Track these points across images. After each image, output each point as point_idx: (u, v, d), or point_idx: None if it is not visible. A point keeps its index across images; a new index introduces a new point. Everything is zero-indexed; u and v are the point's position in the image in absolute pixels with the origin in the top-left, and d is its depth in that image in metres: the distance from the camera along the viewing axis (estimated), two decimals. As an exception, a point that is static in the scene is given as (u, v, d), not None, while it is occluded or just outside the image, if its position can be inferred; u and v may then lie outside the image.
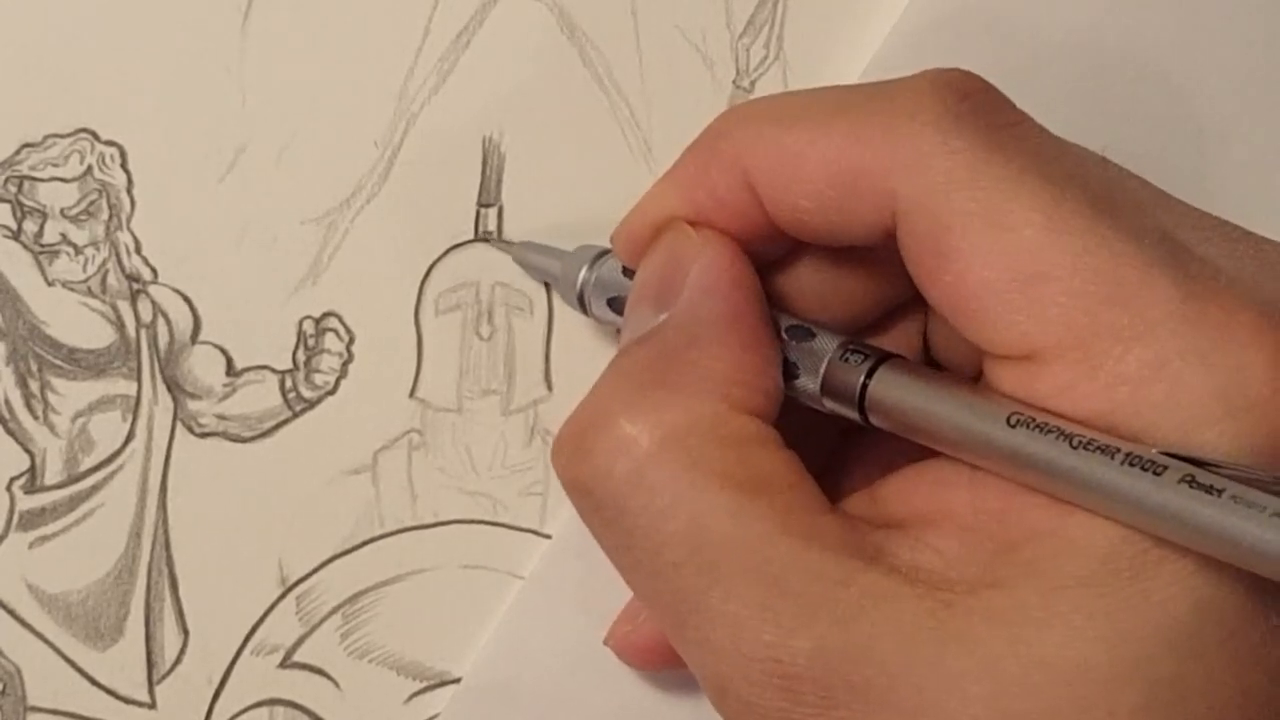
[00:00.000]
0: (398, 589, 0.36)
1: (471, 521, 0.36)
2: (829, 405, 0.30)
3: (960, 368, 0.31)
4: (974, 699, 0.25)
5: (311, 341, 0.36)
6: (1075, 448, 0.25)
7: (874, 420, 0.29)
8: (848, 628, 0.26)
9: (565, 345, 0.36)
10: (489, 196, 0.36)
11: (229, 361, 0.36)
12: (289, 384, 0.36)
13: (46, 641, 0.35)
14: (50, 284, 0.36)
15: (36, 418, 0.36)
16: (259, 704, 0.36)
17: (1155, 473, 0.25)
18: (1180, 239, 0.27)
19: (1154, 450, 0.25)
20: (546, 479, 0.36)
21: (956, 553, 0.27)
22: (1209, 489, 0.24)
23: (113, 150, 0.35)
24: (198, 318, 0.36)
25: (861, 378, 0.29)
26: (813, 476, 0.28)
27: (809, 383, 0.30)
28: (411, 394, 0.36)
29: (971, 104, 0.27)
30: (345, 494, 0.36)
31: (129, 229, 0.36)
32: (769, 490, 0.27)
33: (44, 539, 0.35)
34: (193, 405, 0.36)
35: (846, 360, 0.29)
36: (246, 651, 0.36)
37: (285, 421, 0.36)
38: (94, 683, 0.35)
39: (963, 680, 0.25)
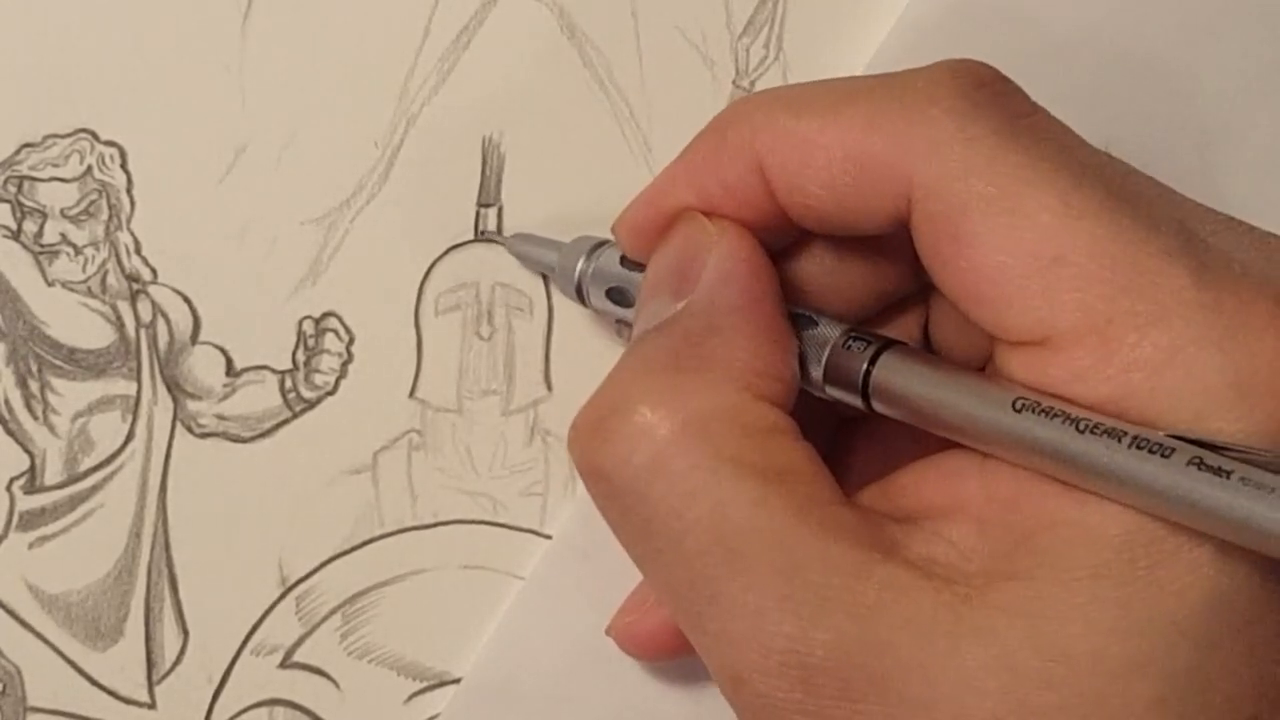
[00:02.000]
0: (398, 589, 0.36)
1: (471, 522, 0.36)
2: (831, 393, 0.30)
3: (963, 361, 0.31)
4: (991, 693, 0.25)
5: (311, 342, 0.36)
6: (1082, 431, 0.25)
7: (877, 406, 0.29)
8: (866, 621, 0.26)
9: (565, 345, 0.36)
10: (489, 196, 0.36)
11: (229, 362, 0.36)
12: (289, 384, 0.36)
13: (46, 642, 0.35)
14: (50, 284, 0.36)
15: (36, 418, 0.35)
16: (259, 704, 0.36)
17: (1163, 455, 0.25)
18: (1194, 228, 0.27)
19: (1161, 434, 0.25)
20: (546, 479, 0.36)
21: (971, 544, 0.27)
22: (1217, 470, 0.24)
23: (112, 150, 0.35)
24: (197, 318, 0.36)
25: (865, 364, 0.29)
26: None
27: (813, 370, 0.29)
28: (411, 394, 0.36)
29: (989, 92, 0.27)
30: (345, 494, 0.36)
31: (129, 229, 0.36)
32: (789, 480, 0.27)
33: (44, 539, 0.35)
34: (192, 405, 0.36)
35: (849, 347, 0.29)
36: (246, 651, 0.36)
37: (285, 422, 0.36)
38: (94, 683, 0.35)
39: (980, 674, 0.25)
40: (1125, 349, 0.25)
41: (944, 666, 0.25)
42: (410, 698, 0.36)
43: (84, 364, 0.36)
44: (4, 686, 0.35)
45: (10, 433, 0.35)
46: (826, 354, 0.29)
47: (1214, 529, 0.24)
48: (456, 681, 0.36)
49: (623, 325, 0.35)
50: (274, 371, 0.36)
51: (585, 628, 0.35)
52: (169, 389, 0.36)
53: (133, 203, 0.36)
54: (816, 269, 0.31)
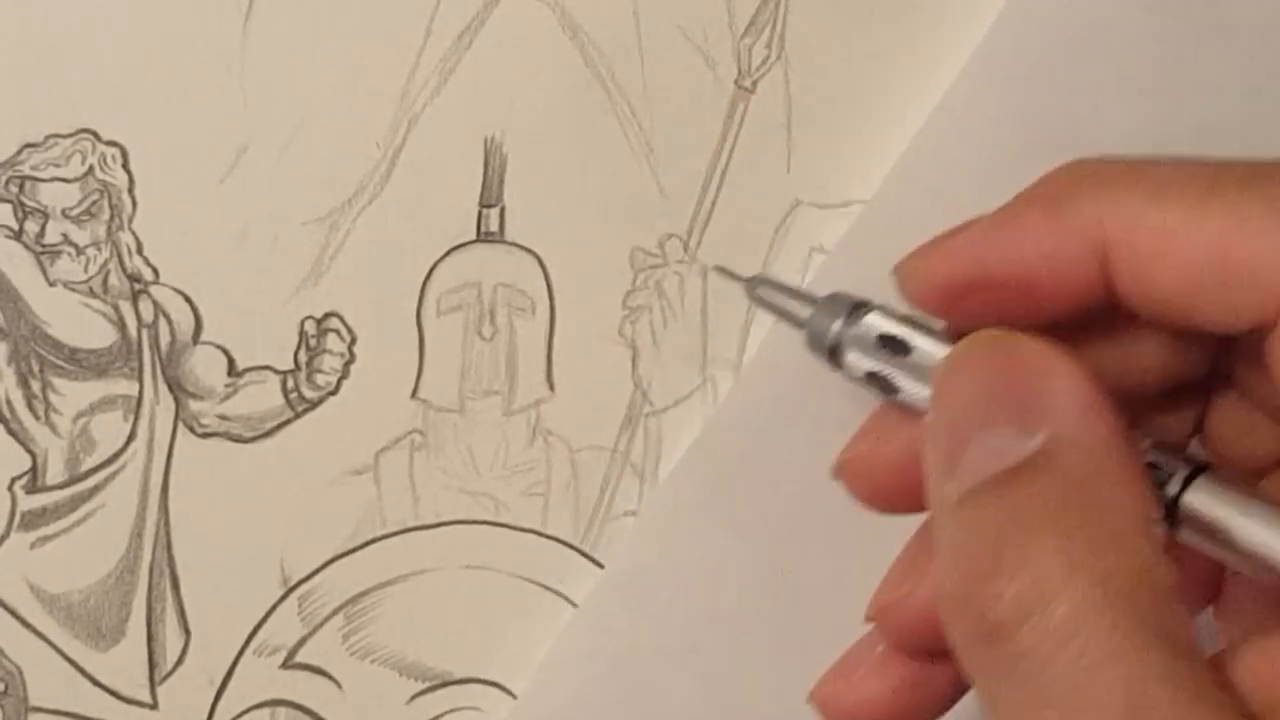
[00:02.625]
0: (400, 589, 0.36)
1: (473, 522, 0.36)
2: None
3: (1239, 463, 0.29)
4: None
5: (313, 342, 0.36)
6: None
7: (1186, 537, 0.26)
8: None
9: (567, 346, 0.36)
10: (491, 197, 0.36)
11: (231, 362, 0.36)
12: (291, 384, 0.36)
13: (48, 642, 0.35)
14: (52, 284, 0.36)
15: (38, 418, 0.35)
16: (261, 704, 0.36)
17: None
18: None
19: None
20: (548, 479, 0.36)
21: None
22: None
23: (114, 151, 0.35)
24: (199, 318, 0.36)
25: (1177, 489, 0.26)
26: None
27: None
28: (413, 394, 0.36)
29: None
30: (347, 494, 0.36)
31: (130, 229, 0.36)
32: (1190, 653, 0.24)
33: (45, 539, 0.35)
34: (194, 405, 0.36)
35: (1154, 466, 0.26)
36: (248, 652, 0.36)
37: (287, 422, 0.36)
38: (96, 683, 0.35)
39: None
40: None
41: None
42: (413, 698, 0.36)
43: (86, 364, 0.36)
44: (6, 686, 0.35)
45: (12, 432, 0.35)
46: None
47: None
48: (459, 682, 0.36)
49: (879, 383, 0.29)
50: (276, 371, 0.36)
51: (636, 658, 0.35)
52: (171, 389, 0.36)
53: (134, 203, 0.36)
54: (1112, 349, 0.29)
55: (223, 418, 0.36)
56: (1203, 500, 0.26)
